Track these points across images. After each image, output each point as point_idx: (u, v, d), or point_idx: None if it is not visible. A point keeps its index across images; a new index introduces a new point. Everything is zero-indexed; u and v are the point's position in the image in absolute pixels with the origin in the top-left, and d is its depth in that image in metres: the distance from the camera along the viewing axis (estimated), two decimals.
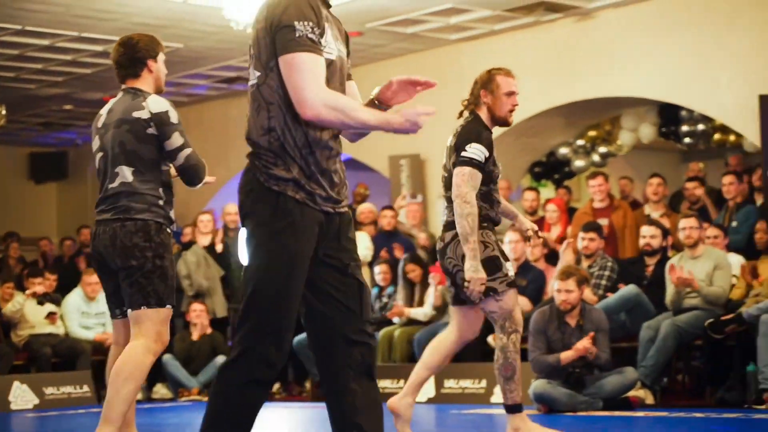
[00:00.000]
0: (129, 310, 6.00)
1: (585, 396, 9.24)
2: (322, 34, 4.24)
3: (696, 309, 9.79)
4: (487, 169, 6.97)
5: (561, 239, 11.74)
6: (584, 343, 9.12)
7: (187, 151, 6.07)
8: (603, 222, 11.51)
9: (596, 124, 15.98)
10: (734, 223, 11.32)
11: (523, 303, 10.62)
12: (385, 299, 12.18)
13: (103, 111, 6.27)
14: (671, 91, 13.25)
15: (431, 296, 11.67)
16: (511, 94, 7.12)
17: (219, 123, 17.74)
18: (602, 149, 16.15)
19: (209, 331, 12.76)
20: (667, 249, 10.85)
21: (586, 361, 9.21)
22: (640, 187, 14.55)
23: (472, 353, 10.81)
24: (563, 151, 16.03)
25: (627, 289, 10.25)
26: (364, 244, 12.97)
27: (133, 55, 6.24)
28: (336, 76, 4.36)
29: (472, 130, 7.02)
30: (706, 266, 9.91)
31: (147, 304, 5.95)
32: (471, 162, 6.91)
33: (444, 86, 17.11)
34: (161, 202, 6.05)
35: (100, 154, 6.18)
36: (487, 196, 7.01)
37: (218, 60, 15.28)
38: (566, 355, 9.16)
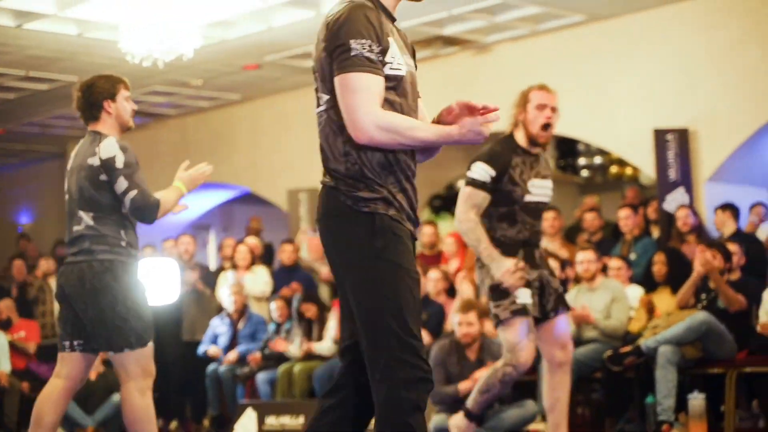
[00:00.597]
0: (111, 353, 6.07)
1: (485, 430, 9.21)
2: (384, 51, 4.05)
3: (595, 341, 9.83)
4: (503, 189, 6.84)
5: (458, 272, 11.72)
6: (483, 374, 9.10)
7: (132, 194, 6.06)
8: None
9: None
10: (632, 256, 11.40)
11: (423, 336, 10.58)
12: (283, 335, 12.06)
13: (72, 153, 6.34)
14: (569, 124, 13.34)
15: (332, 330, 11.58)
16: (542, 107, 6.96)
17: None
18: None
19: (102, 369, 12.47)
20: (568, 281, 10.89)
21: None
22: None
23: None
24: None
25: None
26: (263, 278, 12.86)
27: (89, 99, 6.27)
28: (409, 93, 4.18)
29: (487, 150, 6.92)
30: (603, 298, 9.96)
31: (129, 345, 6.05)
32: (472, 182, 6.85)
33: None
34: (123, 243, 6.11)
35: (66, 197, 6.28)
36: (507, 216, 6.89)
37: None
38: (464, 386, 9.13)
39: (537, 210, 7.04)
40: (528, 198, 6.94)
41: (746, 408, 9.79)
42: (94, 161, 6.08)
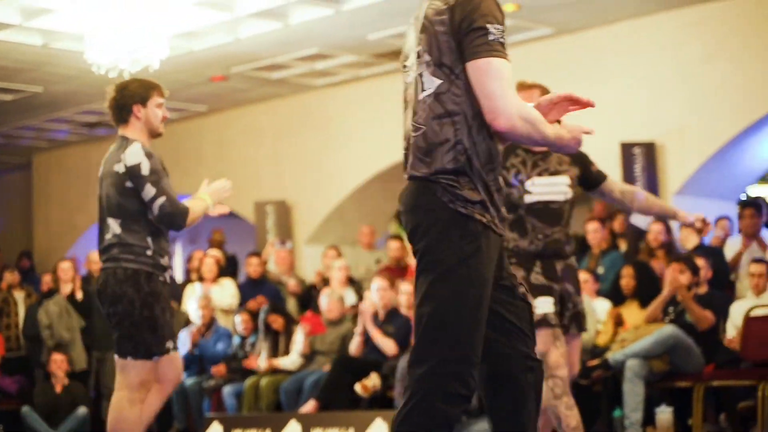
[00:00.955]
0: (116, 356, 6.08)
1: None
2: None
3: None
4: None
5: None
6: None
7: (160, 200, 6.04)
8: None
9: None
10: (600, 269, 11.40)
11: (390, 348, 10.57)
12: (248, 348, 11.99)
13: (102, 160, 6.32)
14: None
15: (299, 344, 11.52)
16: None
17: (81, 168, 17.40)
18: None
19: (67, 382, 12.37)
20: None
21: None
22: None
23: (340, 401, 10.68)
24: None
25: None
26: (229, 291, 12.78)
27: (120, 101, 6.23)
28: None
29: None
30: None
31: (134, 354, 6.05)
32: None
33: (310, 131, 17.09)
34: (149, 252, 6.08)
35: (98, 204, 6.27)
36: (516, 224, 6.55)
37: (80, 104, 15.00)
38: None
39: (547, 212, 6.65)
40: (530, 199, 6.58)
41: (714, 422, 9.79)
42: (120, 168, 6.08)
